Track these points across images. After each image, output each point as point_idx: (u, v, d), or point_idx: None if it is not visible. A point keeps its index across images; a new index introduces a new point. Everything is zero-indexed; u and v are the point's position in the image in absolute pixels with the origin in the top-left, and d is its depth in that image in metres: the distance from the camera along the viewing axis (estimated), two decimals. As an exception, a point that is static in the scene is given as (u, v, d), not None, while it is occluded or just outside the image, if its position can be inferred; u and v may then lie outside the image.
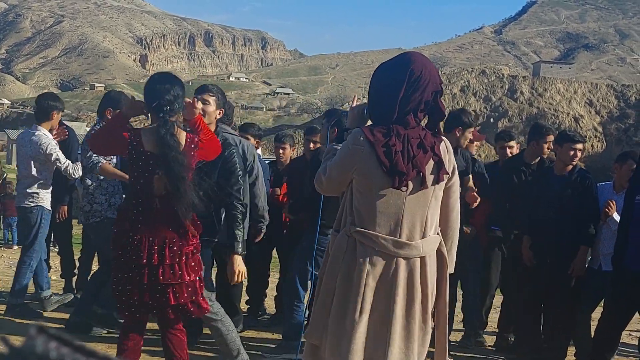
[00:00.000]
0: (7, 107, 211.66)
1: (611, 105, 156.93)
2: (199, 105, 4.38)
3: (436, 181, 3.15)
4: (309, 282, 5.92)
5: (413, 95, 3.07)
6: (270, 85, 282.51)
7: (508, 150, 7.33)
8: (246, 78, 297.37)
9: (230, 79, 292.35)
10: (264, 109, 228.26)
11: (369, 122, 3.27)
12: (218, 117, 5.16)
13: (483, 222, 7.11)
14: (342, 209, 3.23)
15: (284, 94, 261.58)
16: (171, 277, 4.16)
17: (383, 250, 3.09)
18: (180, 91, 4.28)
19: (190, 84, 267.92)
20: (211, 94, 5.13)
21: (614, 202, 6.18)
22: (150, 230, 4.14)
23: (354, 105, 3.46)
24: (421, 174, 3.10)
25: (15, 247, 14.68)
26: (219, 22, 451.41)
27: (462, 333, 7.29)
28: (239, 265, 4.86)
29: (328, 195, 3.40)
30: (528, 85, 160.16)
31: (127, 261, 4.18)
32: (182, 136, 4.21)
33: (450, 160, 3.23)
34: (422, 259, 3.15)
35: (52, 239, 9.93)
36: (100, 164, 6.15)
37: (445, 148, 3.21)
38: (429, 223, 3.18)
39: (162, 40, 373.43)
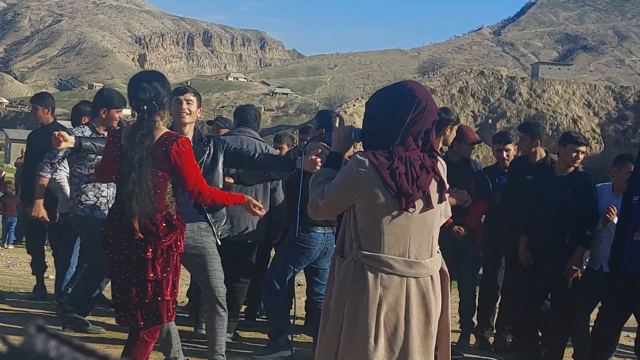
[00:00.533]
0: (6, 106, 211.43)
1: (609, 106, 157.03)
2: (186, 106, 4.45)
3: (440, 200, 3.26)
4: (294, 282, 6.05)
5: (417, 123, 3.18)
6: (268, 85, 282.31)
7: (505, 153, 7.27)
8: (245, 78, 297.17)
9: (229, 79, 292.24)
10: (263, 109, 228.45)
11: (356, 144, 3.34)
12: (198, 115, 5.23)
13: (479, 222, 7.13)
14: (344, 233, 3.26)
15: (283, 94, 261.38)
16: (135, 274, 4.17)
17: (393, 272, 3.13)
18: (161, 88, 4.21)
19: (188, 83, 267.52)
20: (192, 94, 5.18)
21: (615, 207, 6.16)
22: (125, 227, 4.15)
23: (339, 127, 3.54)
24: (426, 194, 3.18)
25: (12, 246, 14.65)
26: (217, 21, 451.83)
27: (459, 334, 7.29)
28: None
29: (321, 219, 3.42)
30: (527, 87, 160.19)
31: (109, 258, 4.27)
32: (160, 132, 4.16)
33: (446, 179, 3.34)
34: (431, 277, 3.23)
35: (46, 239, 9.92)
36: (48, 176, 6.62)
37: (442, 167, 3.31)
38: (434, 242, 3.27)
39: (161, 39, 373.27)
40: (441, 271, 3.31)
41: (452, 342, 7.06)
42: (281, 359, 5.88)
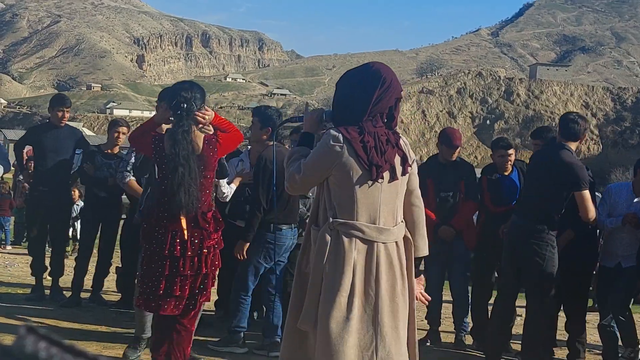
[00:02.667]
0: (4, 107, 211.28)
1: (607, 107, 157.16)
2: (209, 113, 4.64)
3: (403, 173, 3.56)
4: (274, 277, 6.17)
5: (383, 100, 3.49)
6: (267, 86, 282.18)
7: (508, 159, 7.19)
8: (243, 79, 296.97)
9: (227, 79, 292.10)
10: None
11: (328, 125, 3.63)
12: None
13: (470, 222, 7.14)
14: (318, 205, 3.56)
15: (281, 95, 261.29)
16: (190, 269, 4.54)
17: (366, 238, 3.42)
18: (199, 94, 4.59)
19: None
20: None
21: (636, 214, 6.31)
22: (174, 225, 4.51)
23: (310, 110, 3.81)
24: (392, 166, 3.49)
25: (9, 247, 14.63)
26: (216, 22, 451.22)
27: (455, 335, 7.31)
28: None
29: (297, 194, 3.75)
30: (524, 88, 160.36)
31: (152, 254, 4.55)
32: (200, 138, 4.57)
33: (410, 154, 3.63)
34: (397, 243, 3.53)
35: (47, 239, 9.92)
36: (128, 179, 6.97)
37: (404, 143, 3.63)
38: (399, 211, 3.58)
39: (159, 40, 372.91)
40: (405, 238, 3.59)
41: (449, 343, 7.18)
42: (232, 354, 5.98)
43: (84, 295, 8.02)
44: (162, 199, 4.59)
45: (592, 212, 5.88)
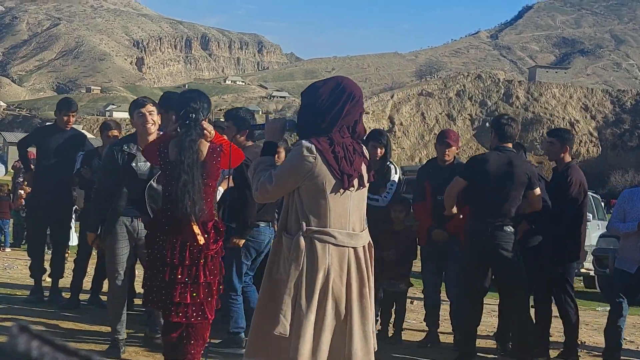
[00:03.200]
0: (3, 109, 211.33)
1: (607, 110, 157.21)
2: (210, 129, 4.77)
3: (368, 180, 3.82)
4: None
5: (351, 114, 3.70)
6: (266, 88, 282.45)
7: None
8: (242, 81, 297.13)
9: (227, 82, 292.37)
10: (260, 112, 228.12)
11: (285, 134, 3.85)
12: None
13: (462, 225, 7.15)
14: (288, 213, 3.70)
15: (280, 97, 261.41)
16: (188, 277, 4.63)
17: (338, 243, 3.63)
18: (206, 104, 4.75)
19: (186, 87, 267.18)
20: (152, 104, 5.71)
21: None
22: (175, 232, 4.62)
23: (273, 119, 3.99)
24: (360, 174, 3.72)
25: (8, 249, 14.64)
26: (215, 25, 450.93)
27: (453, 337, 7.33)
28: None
29: (265, 202, 3.92)
30: (524, 90, 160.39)
31: (154, 260, 4.70)
32: (205, 146, 4.67)
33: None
34: (364, 247, 3.77)
35: (47, 241, 9.92)
36: None
37: (366, 152, 3.85)
38: (364, 216, 3.84)
39: (159, 43, 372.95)
40: (368, 244, 3.82)
41: (449, 344, 7.20)
42: (235, 355, 5.97)
43: (83, 297, 8.03)
44: (165, 205, 4.73)
45: (541, 205, 6.48)
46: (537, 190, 6.38)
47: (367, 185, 3.81)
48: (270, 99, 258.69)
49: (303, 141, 3.64)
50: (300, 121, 3.79)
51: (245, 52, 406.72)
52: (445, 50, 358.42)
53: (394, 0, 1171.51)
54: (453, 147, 7.12)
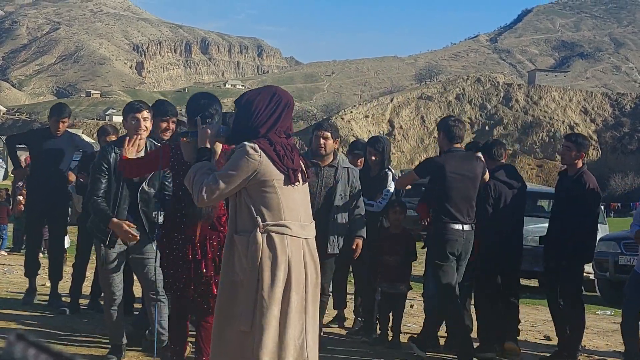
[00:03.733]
0: (3, 114, 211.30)
1: (606, 113, 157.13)
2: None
3: (308, 176, 4.09)
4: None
5: (285, 120, 3.99)
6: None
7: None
8: (242, 85, 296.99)
9: (227, 86, 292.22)
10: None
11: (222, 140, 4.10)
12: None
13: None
14: (236, 213, 3.88)
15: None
16: (213, 270, 4.86)
17: (294, 235, 3.84)
18: (219, 107, 4.91)
19: (186, 91, 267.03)
20: (148, 110, 5.78)
21: None
22: (192, 230, 4.87)
23: (206, 126, 4.21)
24: (302, 170, 3.97)
25: (3, 252, 14.63)
26: (215, 29, 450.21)
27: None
28: None
29: (208, 205, 4.16)
30: (523, 93, 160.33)
31: (175, 259, 4.86)
32: (219, 147, 4.68)
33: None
34: (314, 238, 4.03)
35: (43, 246, 9.92)
36: None
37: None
38: (310, 210, 4.08)
39: (159, 47, 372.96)
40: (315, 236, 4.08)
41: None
42: None
43: (82, 301, 8.03)
44: (179, 204, 4.91)
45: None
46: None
47: (307, 180, 4.04)
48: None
49: (245, 142, 3.84)
50: (237, 127, 4.02)
51: (245, 56, 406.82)
52: (445, 54, 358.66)
53: (393, 3, 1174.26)
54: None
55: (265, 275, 3.75)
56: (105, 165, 5.58)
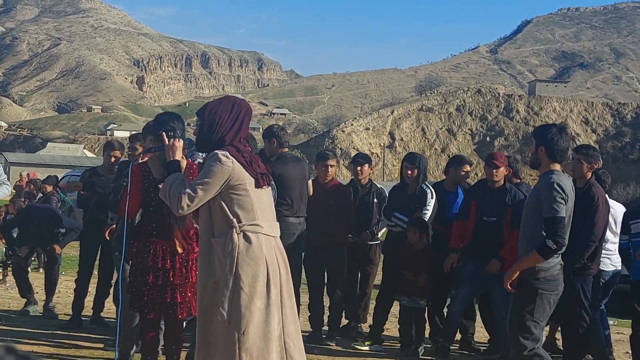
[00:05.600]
0: (4, 129, 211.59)
1: (607, 123, 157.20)
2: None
3: (270, 180, 4.36)
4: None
5: (246, 128, 4.30)
6: (266, 105, 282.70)
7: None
8: (243, 99, 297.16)
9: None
10: (261, 130, 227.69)
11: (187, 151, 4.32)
12: None
13: (515, 253, 7.30)
14: (212, 219, 4.12)
15: (281, 114, 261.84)
16: (179, 278, 5.20)
17: (267, 233, 4.14)
18: (181, 124, 5.24)
19: (187, 105, 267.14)
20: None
21: None
22: (162, 241, 5.22)
23: (172, 140, 4.53)
24: (267, 174, 4.28)
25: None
26: (215, 43, 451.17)
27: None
28: None
29: (187, 213, 4.24)
30: (524, 104, 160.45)
31: (144, 267, 5.14)
32: (184, 162, 4.97)
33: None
34: (280, 237, 4.34)
35: (42, 264, 10.04)
36: None
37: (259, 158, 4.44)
38: (274, 211, 4.40)
39: (159, 62, 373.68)
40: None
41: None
42: None
43: (85, 312, 8.03)
44: (151, 218, 5.28)
45: None
46: None
47: (270, 184, 4.32)
48: (270, 116, 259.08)
49: (217, 151, 4.11)
50: (201, 137, 4.28)
51: (245, 69, 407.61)
52: (445, 66, 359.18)
53: (392, 16, 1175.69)
54: (501, 168, 7.15)
55: (245, 272, 3.98)
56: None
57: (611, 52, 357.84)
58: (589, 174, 6.98)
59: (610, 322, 10.90)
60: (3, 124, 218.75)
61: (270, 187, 4.33)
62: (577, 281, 6.95)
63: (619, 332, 10.07)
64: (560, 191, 5.03)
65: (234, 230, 4.05)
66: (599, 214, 6.77)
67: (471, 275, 7.14)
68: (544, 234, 5.03)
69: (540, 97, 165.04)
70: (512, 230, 6.66)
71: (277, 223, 4.32)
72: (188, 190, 4.06)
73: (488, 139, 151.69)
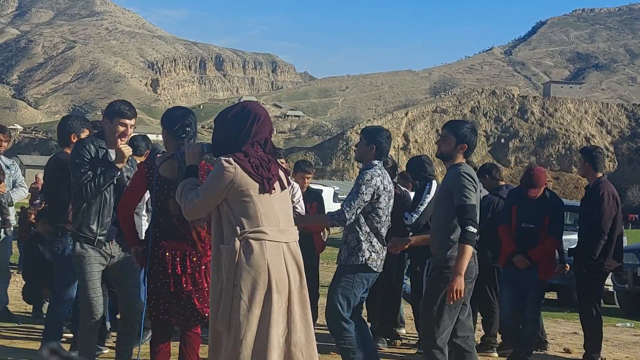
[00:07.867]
0: (20, 132, 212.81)
1: (622, 124, 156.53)
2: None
3: (288, 183, 4.35)
4: None
5: (260, 133, 4.23)
6: (280, 108, 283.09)
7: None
8: (257, 101, 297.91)
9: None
10: (275, 132, 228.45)
11: (207, 156, 4.40)
12: None
13: (547, 255, 7.41)
14: (222, 225, 4.11)
15: (295, 116, 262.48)
16: (192, 285, 4.89)
17: (272, 239, 4.07)
18: (194, 118, 5.04)
19: (201, 107, 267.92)
20: (135, 119, 5.59)
21: None
22: (171, 245, 4.88)
23: (191, 146, 4.60)
24: (279, 178, 4.22)
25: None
26: (229, 45, 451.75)
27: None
28: None
29: (194, 217, 4.28)
30: (538, 106, 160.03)
31: (156, 273, 4.87)
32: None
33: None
34: (296, 242, 4.24)
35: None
36: None
37: (279, 162, 4.39)
38: (291, 215, 4.33)
39: (173, 64, 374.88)
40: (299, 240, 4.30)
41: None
42: None
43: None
44: (158, 219, 4.94)
45: None
46: None
47: (288, 187, 4.30)
48: (284, 118, 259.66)
49: (221, 158, 4.11)
50: (216, 143, 4.28)
51: (259, 71, 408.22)
52: (459, 67, 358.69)
53: (405, 18, 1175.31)
54: (542, 187, 7.25)
55: (244, 280, 3.97)
56: (88, 157, 5.30)
57: (626, 53, 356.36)
58: (599, 173, 7.44)
59: (627, 325, 10.82)
60: (18, 126, 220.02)
61: (286, 191, 4.28)
62: (592, 278, 7.13)
63: (636, 334, 10.00)
64: (471, 179, 5.11)
65: (236, 237, 4.04)
66: (604, 207, 7.13)
67: (508, 279, 7.31)
68: (457, 222, 5.08)
69: (555, 98, 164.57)
70: (548, 237, 7.10)
71: (293, 228, 4.24)
72: (192, 196, 4.12)
73: (502, 140, 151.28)
